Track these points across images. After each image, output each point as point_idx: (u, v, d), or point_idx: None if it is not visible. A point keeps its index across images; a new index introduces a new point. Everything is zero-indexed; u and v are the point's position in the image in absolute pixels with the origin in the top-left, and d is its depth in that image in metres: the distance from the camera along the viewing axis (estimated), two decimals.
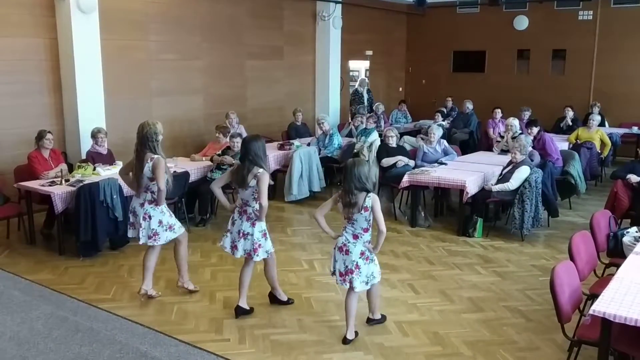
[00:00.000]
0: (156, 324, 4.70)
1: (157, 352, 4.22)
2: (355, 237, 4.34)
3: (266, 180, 4.62)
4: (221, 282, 5.69)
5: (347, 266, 4.34)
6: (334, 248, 4.45)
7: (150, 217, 5.02)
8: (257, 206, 4.68)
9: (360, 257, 4.33)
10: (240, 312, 4.87)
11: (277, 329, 4.69)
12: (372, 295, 4.65)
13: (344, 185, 4.35)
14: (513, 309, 5.08)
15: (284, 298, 5.14)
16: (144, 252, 5.24)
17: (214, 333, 4.61)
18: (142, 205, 5.03)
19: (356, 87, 13.46)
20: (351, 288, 4.36)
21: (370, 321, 4.75)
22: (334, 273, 4.47)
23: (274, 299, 5.14)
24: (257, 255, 4.76)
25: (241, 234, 4.73)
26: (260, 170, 4.62)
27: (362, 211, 4.26)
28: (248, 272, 4.89)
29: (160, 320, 4.82)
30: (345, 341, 4.41)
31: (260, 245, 4.75)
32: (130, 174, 5.14)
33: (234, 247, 4.80)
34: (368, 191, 4.27)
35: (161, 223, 5.06)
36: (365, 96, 13.05)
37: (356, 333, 4.50)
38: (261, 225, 4.76)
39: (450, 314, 4.99)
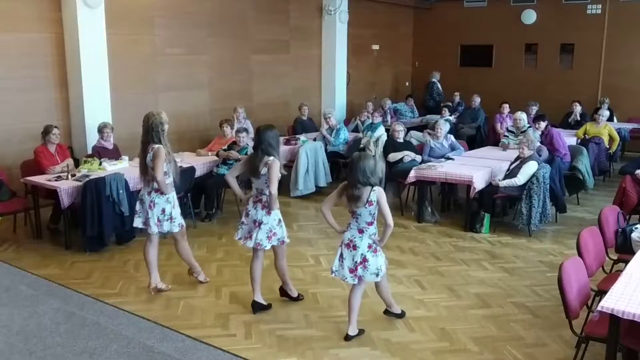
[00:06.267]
0: (163, 319, 4.71)
1: (164, 347, 4.22)
2: (361, 231, 4.31)
3: (276, 168, 4.61)
4: (227, 277, 5.69)
5: (355, 261, 4.30)
6: (340, 245, 4.41)
7: (154, 205, 5.05)
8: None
9: (368, 250, 4.30)
10: (257, 308, 4.83)
11: (284, 324, 4.68)
12: (382, 291, 4.61)
13: (348, 178, 4.32)
14: (520, 305, 5.06)
15: (294, 294, 5.10)
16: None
17: (220, 328, 4.61)
18: (149, 193, 5.08)
19: (432, 79, 13.55)
20: (360, 282, 4.33)
21: (388, 313, 4.73)
22: (334, 273, 4.41)
23: (284, 293, 5.11)
24: (270, 242, 4.73)
25: (256, 224, 4.70)
26: (271, 158, 4.61)
27: (367, 205, 4.22)
28: (258, 265, 4.86)
29: (166, 315, 4.82)
30: (347, 337, 4.38)
31: (275, 233, 4.74)
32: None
33: (247, 238, 4.76)
34: (372, 185, 4.23)
35: (164, 212, 5.08)
36: (440, 86, 13.46)
37: (362, 331, 4.47)
38: (276, 213, 4.74)
39: (457, 310, 4.97)
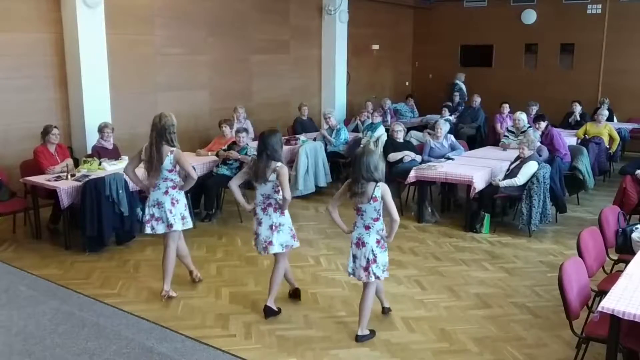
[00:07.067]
0: (162, 320, 4.70)
1: (163, 347, 4.22)
2: (367, 227, 4.32)
3: (286, 173, 4.62)
4: (227, 277, 5.68)
5: (367, 258, 4.30)
6: (351, 246, 4.41)
7: (178, 201, 5.04)
8: (280, 197, 4.64)
9: (376, 246, 4.31)
10: (269, 313, 4.77)
11: (283, 324, 4.68)
12: (379, 289, 4.64)
13: (352, 174, 4.32)
14: (520, 305, 5.05)
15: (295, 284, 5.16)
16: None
17: (219, 328, 4.61)
18: (165, 193, 5.00)
19: (455, 80, 13.49)
20: (376, 278, 4.34)
21: (385, 311, 4.80)
22: (352, 274, 4.41)
23: (295, 294, 5.12)
24: (296, 241, 4.79)
25: (274, 228, 4.67)
26: (279, 164, 4.60)
27: (371, 201, 4.23)
28: (281, 271, 4.83)
29: (166, 315, 4.81)
30: (357, 339, 4.37)
31: (294, 232, 4.78)
32: (136, 170, 5.13)
33: (269, 245, 4.68)
34: (377, 181, 4.23)
35: (186, 207, 5.12)
36: (464, 88, 13.32)
37: (372, 332, 4.46)
38: (287, 213, 4.77)
39: (457, 310, 4.97)
